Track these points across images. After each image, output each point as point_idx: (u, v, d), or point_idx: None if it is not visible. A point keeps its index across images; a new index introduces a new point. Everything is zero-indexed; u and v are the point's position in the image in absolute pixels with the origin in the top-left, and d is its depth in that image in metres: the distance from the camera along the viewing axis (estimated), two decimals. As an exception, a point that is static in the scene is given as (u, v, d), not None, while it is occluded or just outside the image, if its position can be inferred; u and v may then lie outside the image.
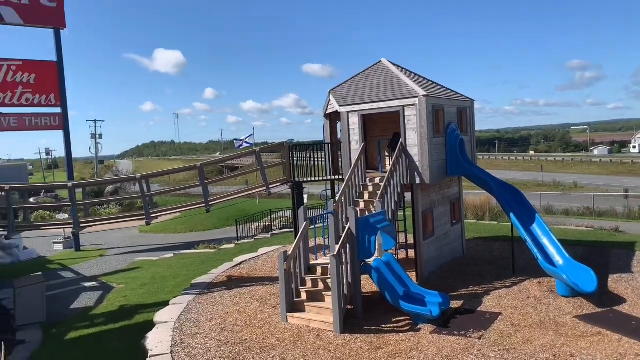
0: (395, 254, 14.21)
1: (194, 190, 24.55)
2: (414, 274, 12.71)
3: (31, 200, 37.27)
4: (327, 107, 14.86)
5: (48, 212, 33.98)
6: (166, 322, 10.59)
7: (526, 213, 12.69)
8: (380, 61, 14.95)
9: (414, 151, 12.58)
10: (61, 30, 24.09)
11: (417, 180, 12.62)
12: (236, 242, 22.18)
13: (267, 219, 27.35)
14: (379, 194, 11.45)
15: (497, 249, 15.98)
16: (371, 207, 12.16)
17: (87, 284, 16.61)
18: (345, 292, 10.03)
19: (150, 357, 8.81)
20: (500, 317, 9.88)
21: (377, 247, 10.65)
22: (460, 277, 12.80)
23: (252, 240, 22.29)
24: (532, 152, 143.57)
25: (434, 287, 11.33)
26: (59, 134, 24.37)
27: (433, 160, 12.65)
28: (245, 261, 16.24)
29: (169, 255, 20.53)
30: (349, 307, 10.30)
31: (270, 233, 23.91)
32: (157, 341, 9.50)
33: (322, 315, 10.01)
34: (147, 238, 27.27)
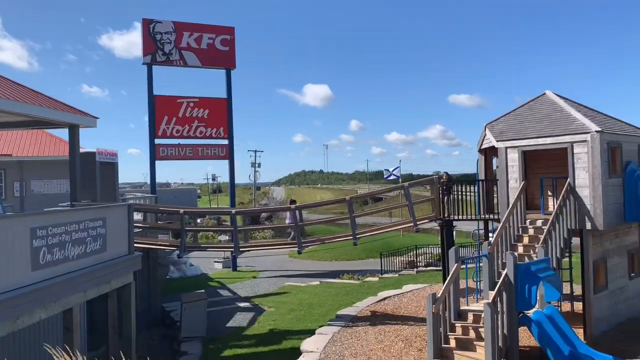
0: (558, 306, 12.76)
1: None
2: (581, 331, 11.26)
3: (198, 221, 41.52)
4: (483, 142, 14.16)
5: (211, 233, 37.45)
6: (312, 351, 10.78)
7: None
8: (545, 93, 13.88)
9: (584, 192, 11.30)
10: (231, 71, 26.84)
11: (588, 226, 11.28)
12: (380, 275, 22.01)
13: (411, 253, 26.75)
14: (542, 238, 10.45)
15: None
16: (531, 252, 11.12)
17: (241, 304, 17.76)
18: (500, 344, 9.22)
19: (296, 386, 9.00)
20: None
21: (538, 298, 9.65)
22: (640, 342, 10.98)
23: (397, 275, 21.92)
24: None
25: (606, 351, 9.86)
26: (224, 162, 26.88)
27: (607, 204, 11.23)
28: (389, 297, 15.96)
29: (316, 282, 21.10)
30: (503, 360, 9.43)
31: (415, 270, 23.30)
32: (303, 371, 9.68)
33: (472, 367, 9.30)
34: (296, 263, 28.44)
